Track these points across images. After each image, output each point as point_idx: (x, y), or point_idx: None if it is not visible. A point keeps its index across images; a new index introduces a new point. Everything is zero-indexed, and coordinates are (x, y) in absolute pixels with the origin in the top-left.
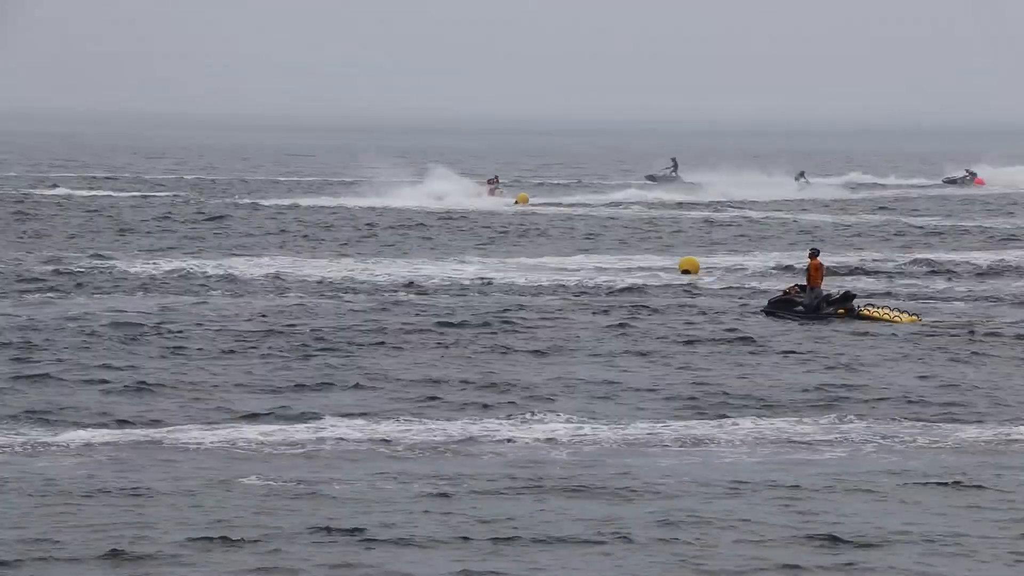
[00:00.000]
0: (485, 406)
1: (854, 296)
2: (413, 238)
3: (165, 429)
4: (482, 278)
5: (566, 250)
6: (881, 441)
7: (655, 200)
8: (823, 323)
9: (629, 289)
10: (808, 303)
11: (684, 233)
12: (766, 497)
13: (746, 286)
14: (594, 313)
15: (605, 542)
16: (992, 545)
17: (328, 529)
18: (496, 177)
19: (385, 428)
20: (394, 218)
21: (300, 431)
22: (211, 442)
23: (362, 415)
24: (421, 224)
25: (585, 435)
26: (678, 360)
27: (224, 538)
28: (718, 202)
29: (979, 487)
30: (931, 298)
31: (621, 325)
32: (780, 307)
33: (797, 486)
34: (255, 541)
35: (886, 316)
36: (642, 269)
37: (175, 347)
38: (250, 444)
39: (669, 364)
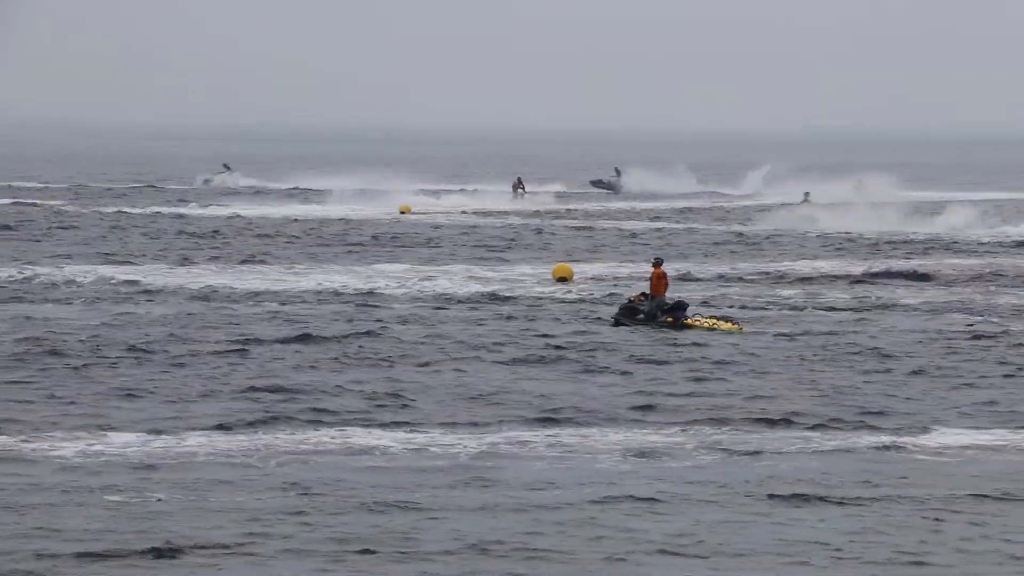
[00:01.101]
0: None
1: (686, 305)
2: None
3: None
4: (336, 288)
5: (440, 258)
6: (725, 450)
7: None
8: (656, 331)
9: (493, 296)
10: (648, 311)
11: (566, 241)
12: (625, 508)
13: (612, 293)
14: (452, 323)
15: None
16: (833, 553)
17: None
18: (519, 179)
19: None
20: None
21: None
22: None
23: (219, 428)
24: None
25: (446, 443)
26: (526, 367)
27: None
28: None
29: (822, 499)
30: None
31: (479, 329)
32: (625, 315)
33: (653, 498)
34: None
35: (707, 324)
36: (513, 279)
37: None
38: None
39: (517, 371)
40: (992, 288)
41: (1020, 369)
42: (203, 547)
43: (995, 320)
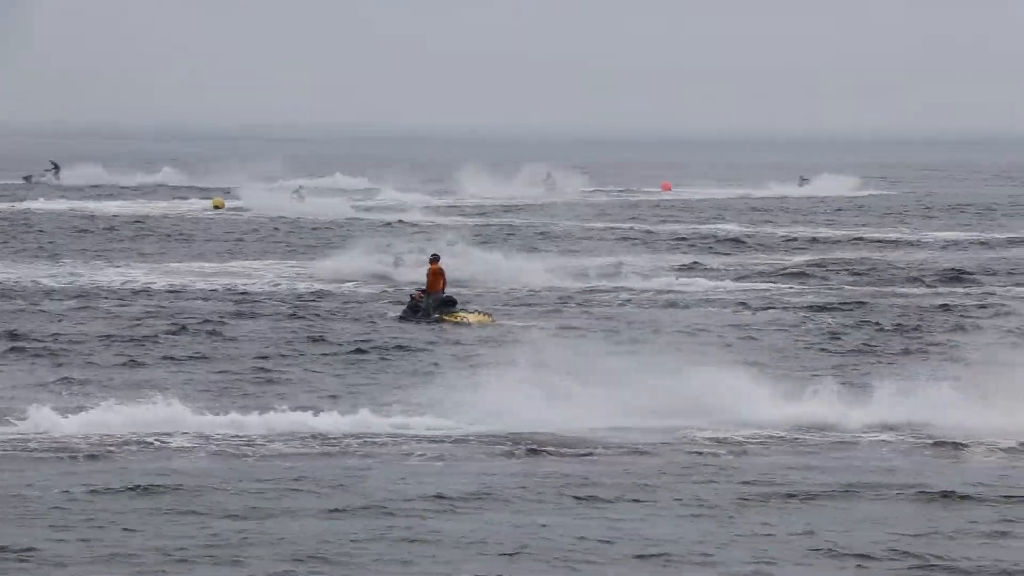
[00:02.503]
0: None
1: (455, 302)
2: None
3: None
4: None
5: (245, 253)
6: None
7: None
8: (426, 327)
9: (297, 293)
10: (425, 307)
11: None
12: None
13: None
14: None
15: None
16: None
17: None
18: (549, 174)
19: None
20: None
21: None
22: None
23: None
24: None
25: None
26: (303, 362)
27: None
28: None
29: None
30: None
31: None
32: (408, 312)
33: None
34: None
35: (456, 318)
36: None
37: None
38: None
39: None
40: None
41: None
42: None
43: None
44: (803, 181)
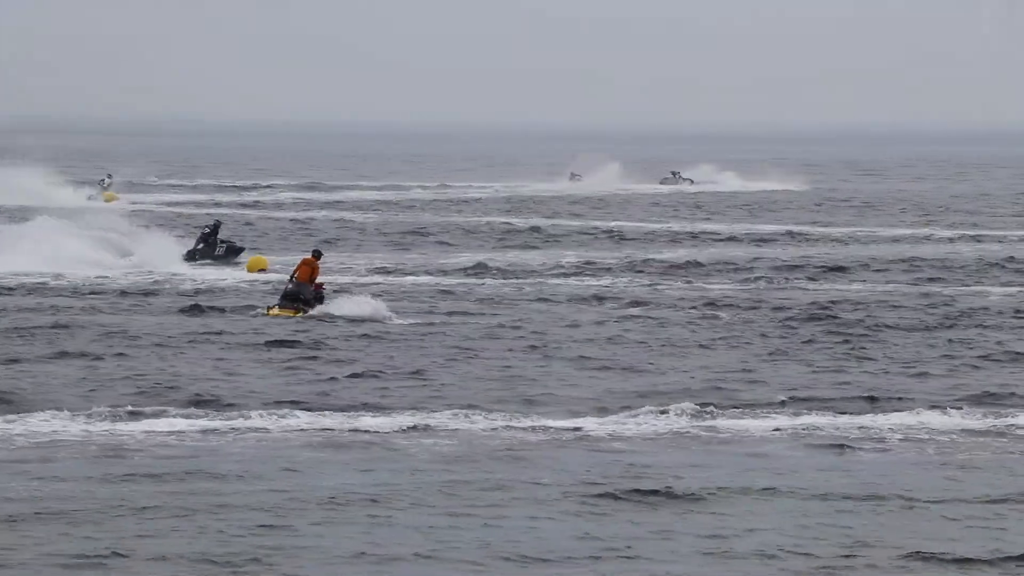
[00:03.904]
0: None
1: (297, 293)
2: None
3: None
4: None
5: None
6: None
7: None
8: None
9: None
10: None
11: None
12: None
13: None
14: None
15: None
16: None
17: None
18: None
19: None
20: None
21: None
22: None
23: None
24: None
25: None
26: (189, 355)
27: None
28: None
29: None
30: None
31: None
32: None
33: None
34: None
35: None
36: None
37: None
38: None
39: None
40: None
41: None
42: None
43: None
44: (574, 177)
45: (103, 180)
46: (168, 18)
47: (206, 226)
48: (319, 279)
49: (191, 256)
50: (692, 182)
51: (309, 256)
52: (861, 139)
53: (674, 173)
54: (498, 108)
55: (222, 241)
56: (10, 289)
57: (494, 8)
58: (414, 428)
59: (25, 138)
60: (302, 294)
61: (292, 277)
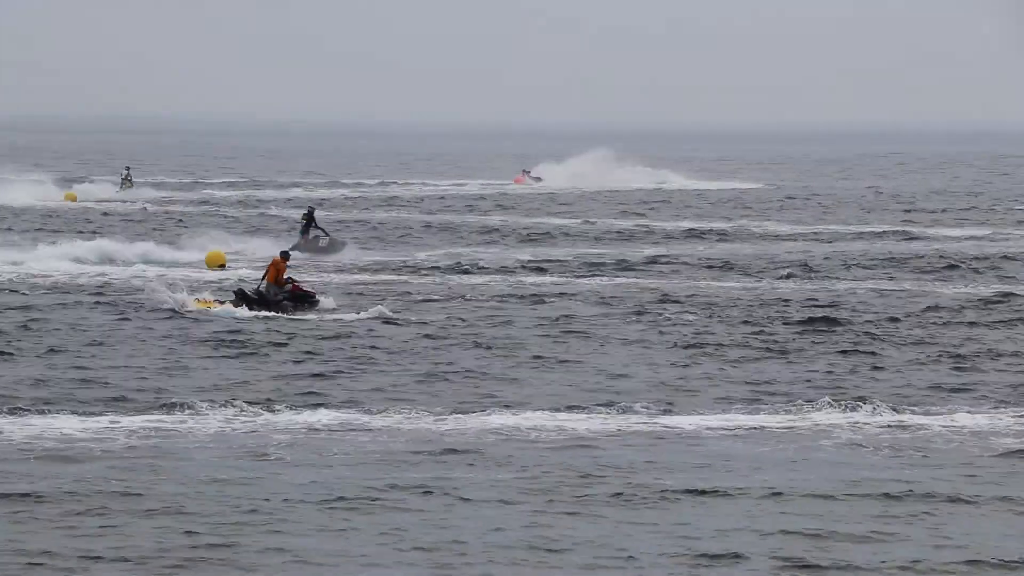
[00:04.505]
0: None
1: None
2: None
3: None
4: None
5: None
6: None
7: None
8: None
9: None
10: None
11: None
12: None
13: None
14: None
15: None
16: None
17: None
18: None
19: None
20: None
21: None
22: None
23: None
24: None
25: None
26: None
27: None
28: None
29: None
30: None
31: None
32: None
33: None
34: None
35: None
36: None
37: None
38: None
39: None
40: None
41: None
42: None
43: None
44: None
45: (123, 173)
46: (168, 18)
47: (303, 215)
48: (303, 280)
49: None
50: (540, 180)
51: (277, 257)
52: (835, 138)
53: (525, 171)
54: (497, 108)
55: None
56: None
57: (495, 8)
58: (361, 427)
59: (31, 137)
60: (270, 296)
61: (263, 279)
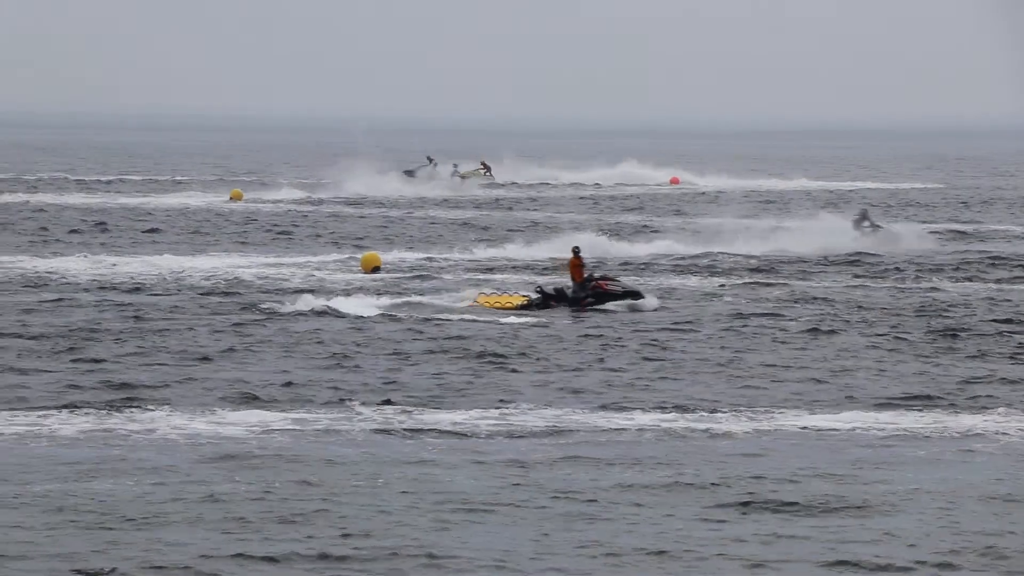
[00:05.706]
0: None
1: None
2: None
3: None
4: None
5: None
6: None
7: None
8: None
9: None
10: (572, 295)
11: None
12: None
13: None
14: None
15: None
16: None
17: None
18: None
19: None
20: None
21: None
22: None
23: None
24: None
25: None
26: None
27: None
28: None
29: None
30: None
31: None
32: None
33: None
34: None
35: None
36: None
37: None
38: None
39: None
40: None
41: None
42: None
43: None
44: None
45: (431, 163)
46: (168, 17)
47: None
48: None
49: None
50: (436, 163)
51: (576, 257)
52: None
53: (430, 159)
54: (498, 108)
55: None
56: None
57: (496, 8)
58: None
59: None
60: (574, 294)
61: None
